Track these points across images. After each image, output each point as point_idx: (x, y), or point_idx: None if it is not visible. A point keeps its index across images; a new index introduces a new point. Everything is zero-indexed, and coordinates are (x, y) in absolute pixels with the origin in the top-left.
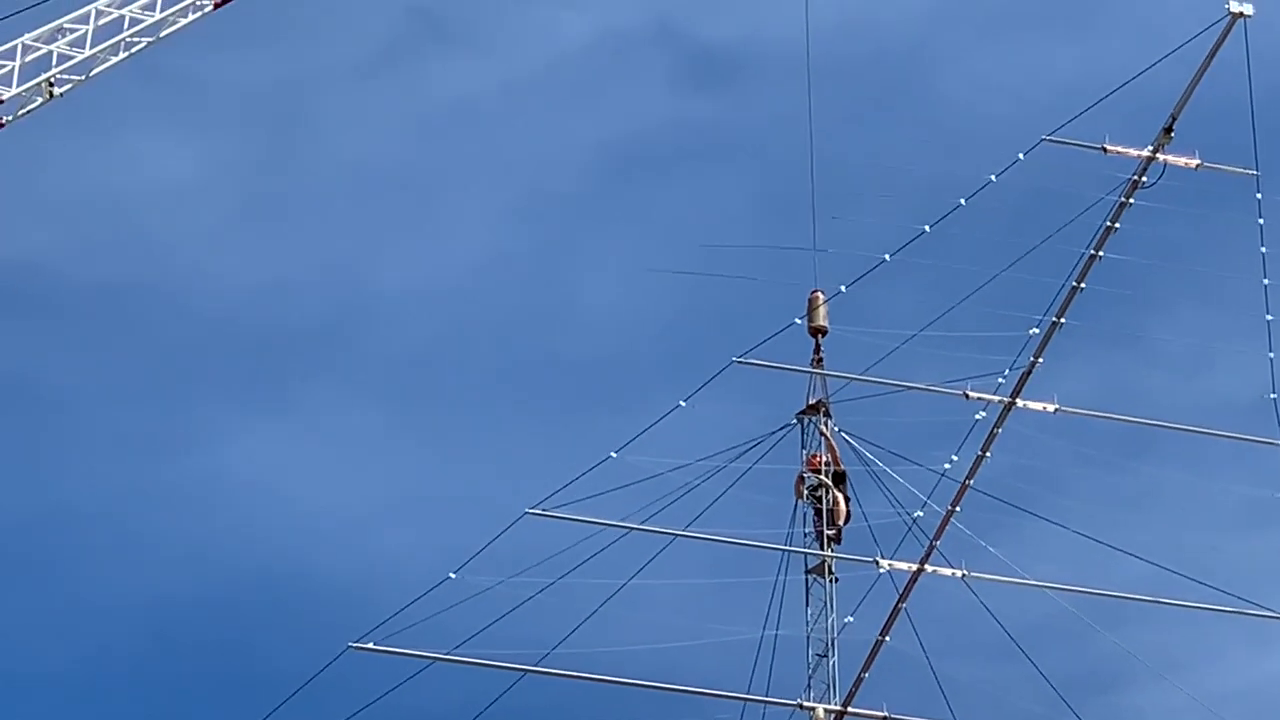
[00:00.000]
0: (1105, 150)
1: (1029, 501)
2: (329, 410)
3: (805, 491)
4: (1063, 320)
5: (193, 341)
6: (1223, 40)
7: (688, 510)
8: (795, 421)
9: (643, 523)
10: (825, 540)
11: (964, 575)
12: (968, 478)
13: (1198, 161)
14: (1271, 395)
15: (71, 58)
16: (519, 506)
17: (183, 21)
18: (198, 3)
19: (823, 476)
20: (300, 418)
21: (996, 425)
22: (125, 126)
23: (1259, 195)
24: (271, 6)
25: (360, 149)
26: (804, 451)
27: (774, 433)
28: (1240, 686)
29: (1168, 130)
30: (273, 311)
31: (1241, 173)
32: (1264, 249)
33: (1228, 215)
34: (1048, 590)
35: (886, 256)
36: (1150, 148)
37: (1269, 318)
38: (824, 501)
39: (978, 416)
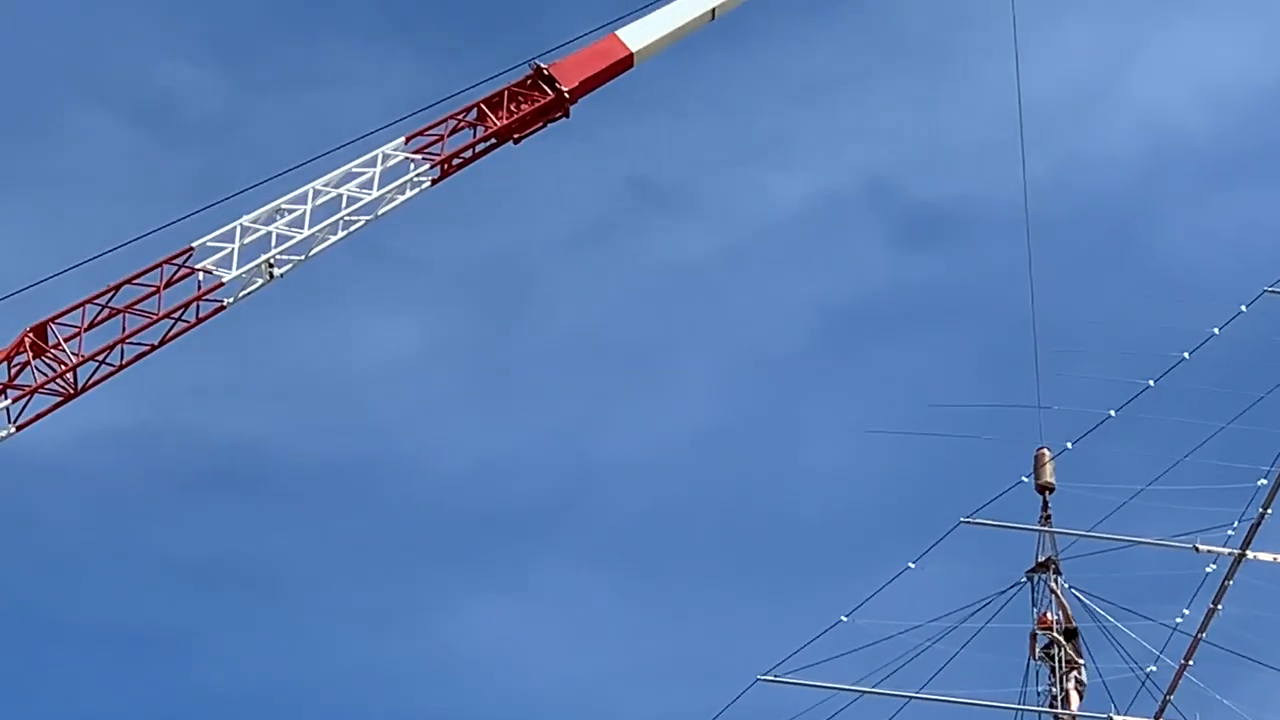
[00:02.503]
0: None
1: (1263, 653)
2: (557, 581)
3: (1038, 649)
4: None
5: (418, 518)
6: None
7: (921, 672)
8: (1025, 580)
9: (876, 686)
10: (1060, 698)
11: None
12: (1200, 631)
13: None
14: None
15: (290, 238)
16: (750, 673)
17: (400, 199)
18: (415, 179)
19: (1055, 634)
20: (528, 590)
21: (1228, 577)
22: (345, 305)
23: None
24: (489, 180)
25: (580, 318)
26: (1035, 609)
27: (1004, 591)
28: None
29: None
30: (497, 485)
31: None
32: None
33: None
34: None
35: (1111, 412)
36: None
37: None
38: (1057, 659)
39: (1208, 569)
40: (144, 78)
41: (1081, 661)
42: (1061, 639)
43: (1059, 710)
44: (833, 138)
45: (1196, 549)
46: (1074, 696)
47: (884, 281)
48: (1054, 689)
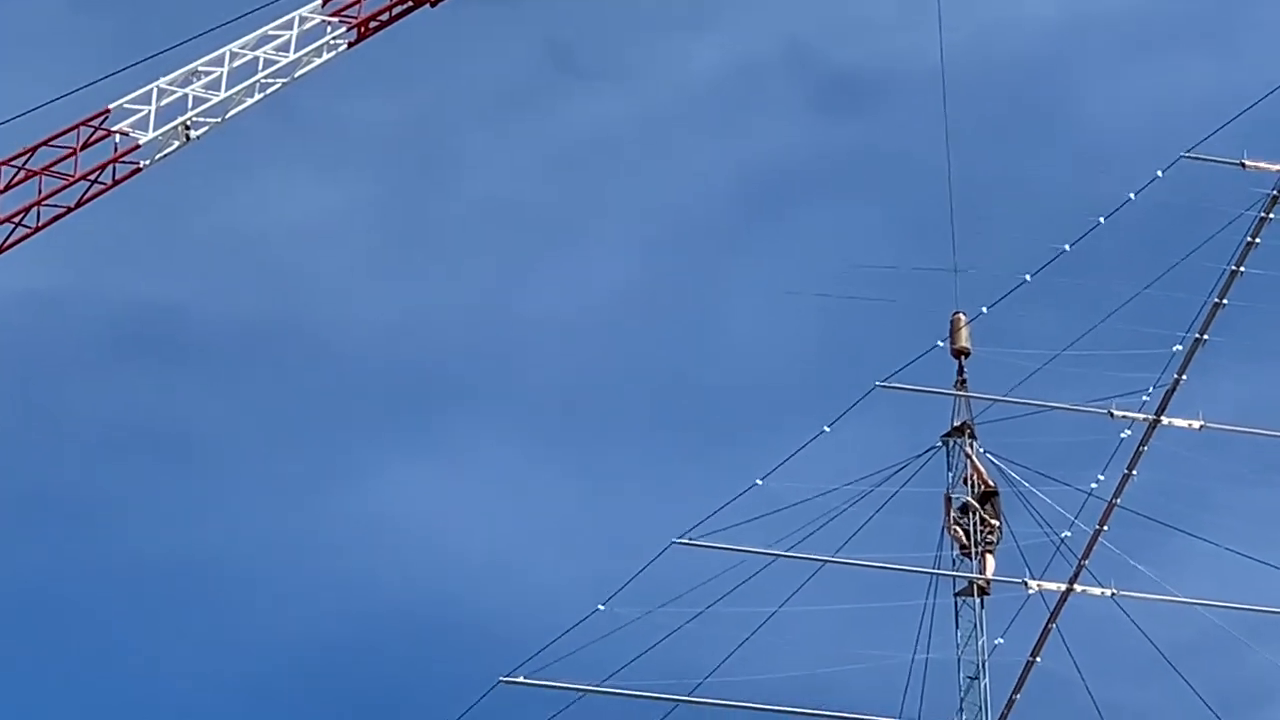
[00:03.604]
0: (1244, 166)
1: (1177, 519)
2: (474, 444)
3: (953, 512)
4: (1206, 337)
5: (335, 379)
6: None
7: (834, 536)
8: (940, 444)
9: (790, 549)
10: (975, 559)
11: (1113, 594)
12: (1115, 497)
13: None
14: None
15: (207, 100)
16: (666, 536)
17: (317, 61)
18: (331, 42)
19: (969, 498)
20: (445, 452)
21: (1142, 444)
22: (262, 167)
23: None
24: (405, 44)
25: (498, 183)
26: (950, 474)
27: (919, 456)
28: None
29: None
30: (415, 347)
31: None
32: None
33: None
34: (1198, 607)
35: (1027, 277)
36: None
37: None
38: (972, 522)
39: (1123, 435)
40: None
41: (997, 524)
42: (976, 503)
43: (974, 575)
44: (751, 4)
45: (1111, 415)
46: (989, 560)
47: (802, 146)
48: (968, 551)
